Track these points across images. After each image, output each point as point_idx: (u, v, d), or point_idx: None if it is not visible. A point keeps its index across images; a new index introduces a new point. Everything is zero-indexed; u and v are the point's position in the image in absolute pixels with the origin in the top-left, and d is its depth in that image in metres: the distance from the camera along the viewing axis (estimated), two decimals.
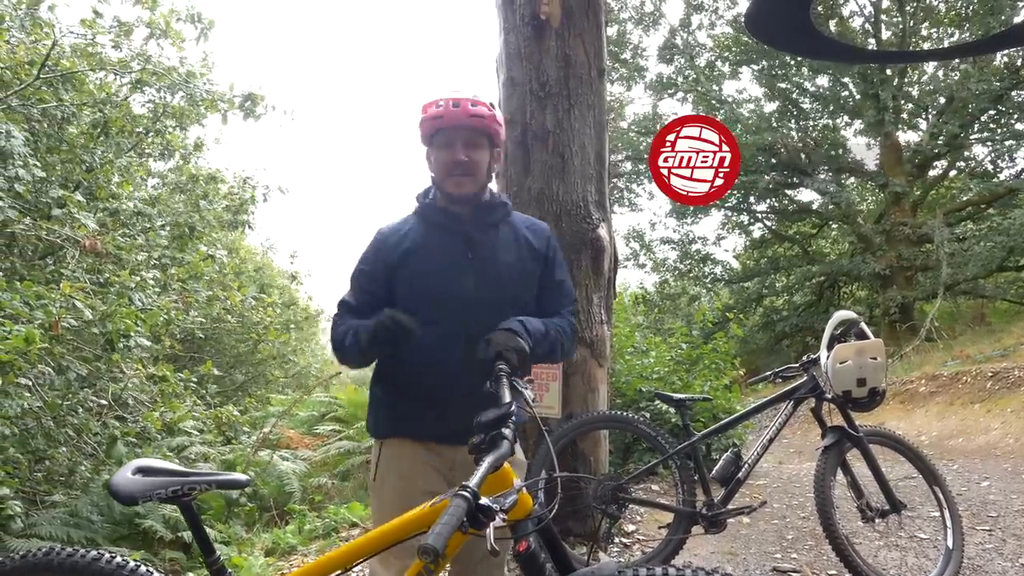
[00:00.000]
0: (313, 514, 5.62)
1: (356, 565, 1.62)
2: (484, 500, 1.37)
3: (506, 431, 1.54)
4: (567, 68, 3.96)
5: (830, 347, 3.63)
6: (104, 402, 5.69)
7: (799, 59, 17.41)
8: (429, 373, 2.06)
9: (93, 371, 5.47)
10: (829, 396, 3.65)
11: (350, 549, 1.62)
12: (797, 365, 3.88)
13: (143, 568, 1.83)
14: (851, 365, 3.52)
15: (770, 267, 20.11)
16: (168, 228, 6.91)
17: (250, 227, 8.53)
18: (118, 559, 1.83)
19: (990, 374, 9.38)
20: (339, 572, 1.62)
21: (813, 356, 3.82)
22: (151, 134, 6.83)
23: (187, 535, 4.97)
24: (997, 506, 4.83)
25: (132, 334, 5.07)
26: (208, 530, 5.08)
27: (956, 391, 9.79)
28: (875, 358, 3.53)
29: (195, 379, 7.19)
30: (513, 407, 1.61)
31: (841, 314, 3.75)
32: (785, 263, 19.89)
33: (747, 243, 21.78)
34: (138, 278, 5.46)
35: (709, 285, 21.07)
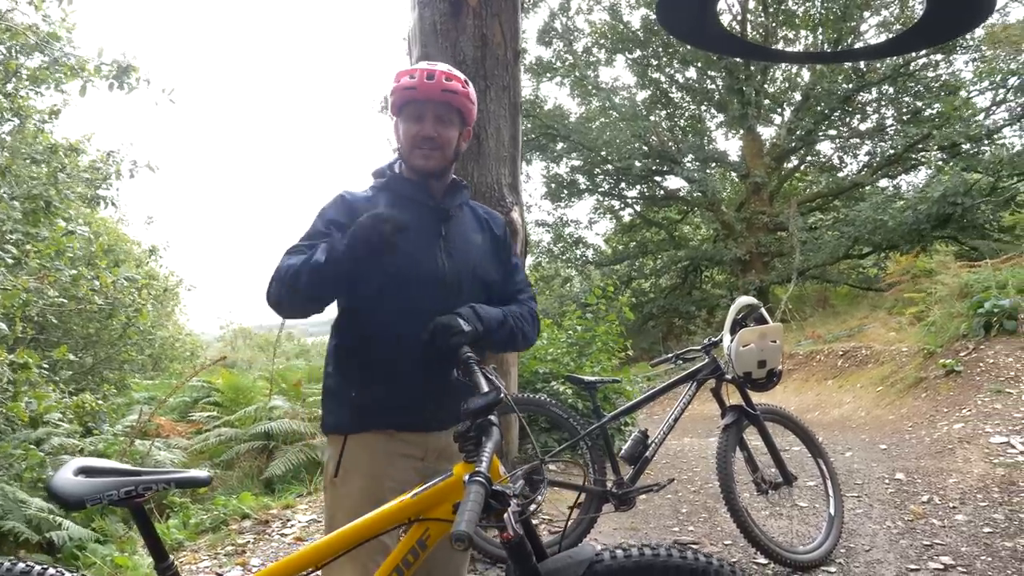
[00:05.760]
0: (197, 506, 5.30)
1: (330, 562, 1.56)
2: (497, 486, 1.40)
3: (493, 418, 1.56)
4: (484, 48, 3.90)
5: (733, 331, 3.82)
6: None
7: (670, 50, 18.13)
8: (402, 359, 1.95)
9: None
10: (730, 377, 3.84)
11: (322, 546, 1.55)
12: (699, 348, 4.06)
13: (51, 570, 1.65)
14: (754, 348, 3.71)
15: (638, 251, 20.96)
16: (21, 201, 6.22)
17: (113, 204, 7.87)
18: (20, 565, 1.64)
19: (840, 353, 10.27)
20: (310, 570, 1.55)
21: (715, 339, 4.00)
22: None
23: (56, 535, 4.56)
24: (861, 474, 5.28)
25: None
26: (82, 529, 4.68)
27: (811, 368, 10.64)
28: (775, 341, 3.75)
29: (47, 364, 6.58)
30: (500, 395, 1.61)
31: (743, 300, 3.95)
32: (653, 247, 20.78)
33: (617, 227, 22.60)
34: None
35: (581, 267, 21.73)
